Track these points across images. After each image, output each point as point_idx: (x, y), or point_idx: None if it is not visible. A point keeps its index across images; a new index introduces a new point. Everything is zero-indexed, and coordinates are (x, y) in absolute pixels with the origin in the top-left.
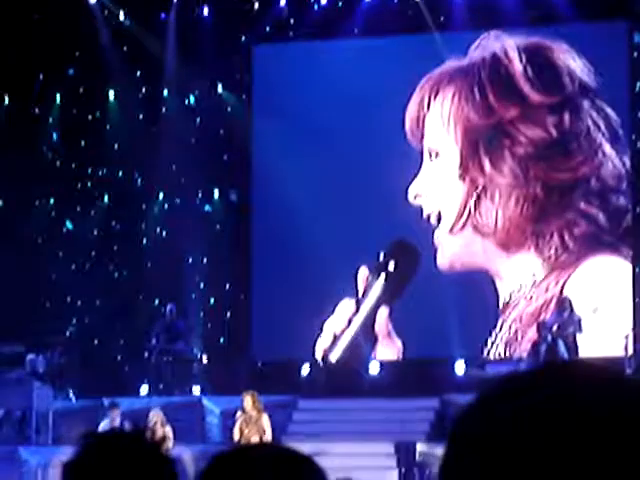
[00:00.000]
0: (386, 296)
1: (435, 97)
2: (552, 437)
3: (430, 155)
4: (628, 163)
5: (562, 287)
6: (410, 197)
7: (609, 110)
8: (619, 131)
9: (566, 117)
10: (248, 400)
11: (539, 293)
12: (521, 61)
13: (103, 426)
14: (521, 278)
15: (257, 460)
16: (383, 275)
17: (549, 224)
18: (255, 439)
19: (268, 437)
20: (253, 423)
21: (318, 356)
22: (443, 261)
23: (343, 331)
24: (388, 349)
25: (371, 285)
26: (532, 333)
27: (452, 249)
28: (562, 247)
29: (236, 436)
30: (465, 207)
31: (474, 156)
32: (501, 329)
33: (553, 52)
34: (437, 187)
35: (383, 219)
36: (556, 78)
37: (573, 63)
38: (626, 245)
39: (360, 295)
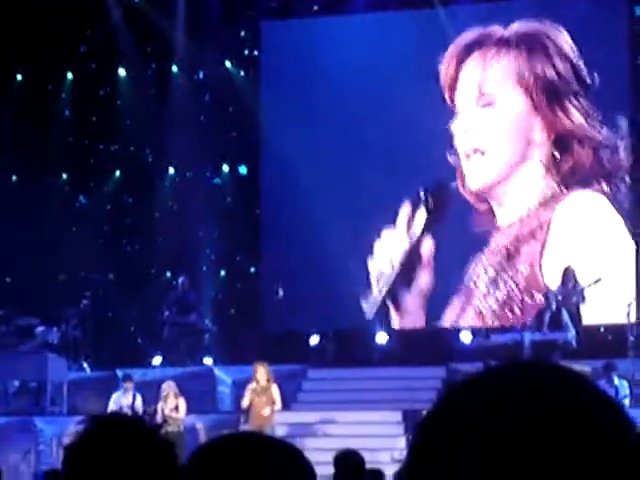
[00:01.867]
0: (428, 227)
1: (486, 54)
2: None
3: (479, 103)
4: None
5: (550, 218)
6: (459, 133)
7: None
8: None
9: (584, 76)
10: (261, 371)
11: (532, 218)
12: (569, 39)
13: (115, 398)
14: (518, 208)
15: (243, 452)
16: (424, 209)
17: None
18: (266, 409)
19: (278, 407)
20: (263, 393)
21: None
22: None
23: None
24: (426, 277)
25: (414, 217)
26: (528, 249)
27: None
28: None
29: (245, 405)
30: (530, 150)
31: (546, 107)
32: (497, 246)
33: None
34: (491, 132)
35: (392, 190)
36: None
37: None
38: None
39: (404, 229)
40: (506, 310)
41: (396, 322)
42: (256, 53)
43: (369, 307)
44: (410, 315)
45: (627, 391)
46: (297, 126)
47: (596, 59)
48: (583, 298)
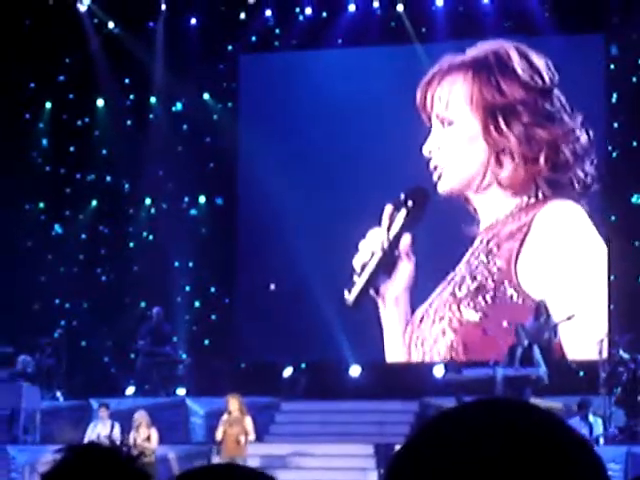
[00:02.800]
0: (408, 225)
1: (442, 81)
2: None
3: (442, 123)
4: (591, 134)
5: (531, 221)
6: (425, 152)
7: (563, 97)
8: (579, 112)
9: (547, 98)
10: (233, 402)
11: (513, 220)
12: (517, 58)
13: (92, 426)
14: (500, 210)
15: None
16: (404, 210)
17: (541, 176)
18: (239, 439)
19: (251, 438)
20: (237, 424)
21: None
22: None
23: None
24: (406, 267)
25: (395, 217)
26: (508, 245)
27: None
28: (536, 195)
29: (219, 436)
30: (488, 162)
31: (494, 125)
32: (481, 243)
33: (531, 54)
34: (451, 149)
35: (359, 226)
36: (538, 71)
37: (543, 63)
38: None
39: (386, 226)
40: (479, 297)
41: (382, 311)
42: (234, 86)
43: (352, 295)
44: (394, 304)
45: (601, 429)
46: (274, 158)
47: (572, 97)
48: (555, 334)
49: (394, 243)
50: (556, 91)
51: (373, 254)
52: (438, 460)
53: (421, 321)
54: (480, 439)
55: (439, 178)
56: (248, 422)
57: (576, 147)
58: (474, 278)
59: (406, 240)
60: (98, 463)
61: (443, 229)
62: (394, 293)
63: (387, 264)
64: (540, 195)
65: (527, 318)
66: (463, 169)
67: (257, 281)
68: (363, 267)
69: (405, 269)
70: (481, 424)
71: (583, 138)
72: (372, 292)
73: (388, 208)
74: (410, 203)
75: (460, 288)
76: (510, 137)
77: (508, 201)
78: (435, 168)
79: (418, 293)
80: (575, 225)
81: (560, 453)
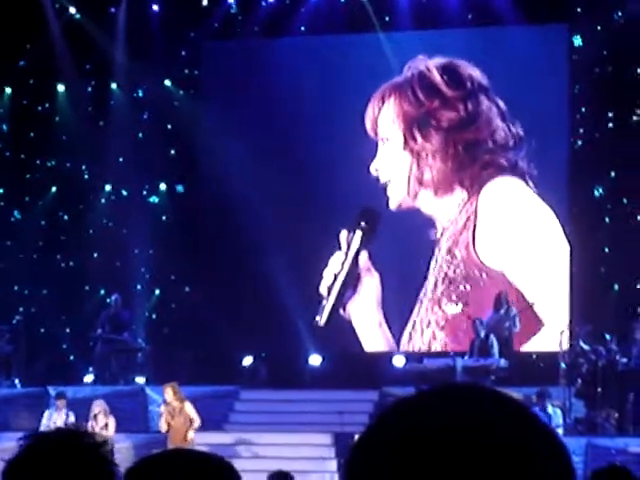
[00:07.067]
0: (364, 244)
1: (383, 103)
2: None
3: (382, 141)
4: (514, 131)
5: (476, 207)
6: (372, 171)
7: (497, 99)
8: (505, 111)
9: (469, 104)
10: (169, 392)
11: (460, 214)
12: (438, 72)
13: (48, 415)
14: (449, 212)
15: (178, 466)
16: (359, 231)
17: (464, 172)
18: (189, 433)
19: (197, 424)
20: (178, 413)
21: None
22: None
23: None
24: (370, 281)
25: (352, 238)
26: (463, 235)
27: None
28: (471, 186)
29: (163, 428)
30: (411, 170)
31: (412, 134)
32: (440, 250)
33: (459, 66)
34: (388, 165)
35: (324, 216)
36: (461, 80)
37: (473, 72)
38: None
39: (344, 250)
40: (455, 290)
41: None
42: (196, 73)
43: (322, 319)
44: (364, 315)
45: (560, 420)
46: (236, 146)
47: (536, 87)
48: (515, 324)
49: (354, 263)
50: (482, 95)
51: (336, 276)
52: (398, 448)
53: (411, 335)
54: (442, 426)
55: (387, 195)
56: (188, 408)
57: (497, 142)
58: (444, 277)
59: (364, 257)
60: (62, 449)
61: (403, 241)
62: (364, 308)
63: (351, 281)
64: (474, 187)
65: (500, 290)
66: (397, 181)
67: (217, 269)
68: (329, 291)
69: (370, 282)
70: (443, 410)
71: (504, 133)
72: (341, 312)
73: (344, 233)
74: (363, 224)
75: (435, 290)
76: (426, 144)
77: (444, 201)
78: (383, 185)
79: (390, 309)
80: (519, 196)
81: (524, 440)
